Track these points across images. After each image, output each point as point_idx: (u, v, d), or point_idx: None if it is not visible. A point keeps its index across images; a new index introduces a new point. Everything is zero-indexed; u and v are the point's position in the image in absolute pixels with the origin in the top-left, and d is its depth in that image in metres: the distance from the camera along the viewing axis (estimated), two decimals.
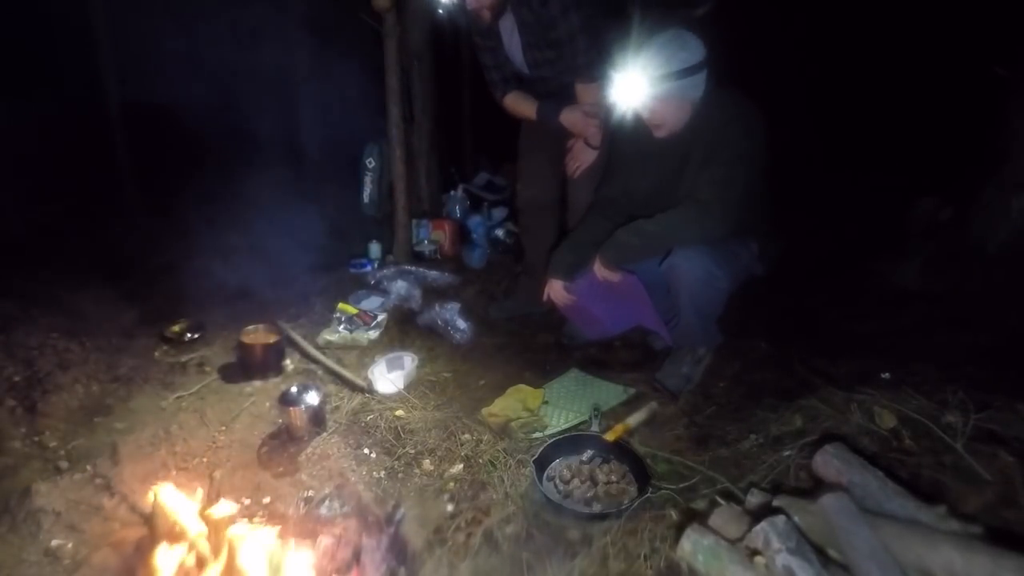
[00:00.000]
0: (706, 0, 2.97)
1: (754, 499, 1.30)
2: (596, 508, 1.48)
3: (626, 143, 2.07)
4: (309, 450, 1.74)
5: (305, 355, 2.30)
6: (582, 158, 2.36)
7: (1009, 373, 1.67)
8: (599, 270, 2.02)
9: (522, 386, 2.05)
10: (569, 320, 2.42)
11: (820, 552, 1.11)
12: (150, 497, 1.46)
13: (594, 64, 2.16)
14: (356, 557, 1.35)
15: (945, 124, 3.35)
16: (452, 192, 3.53)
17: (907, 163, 3.53)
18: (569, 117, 2.29)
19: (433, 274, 2.92)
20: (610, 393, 2.03)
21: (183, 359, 2.28)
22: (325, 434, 1.81)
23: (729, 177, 1.80)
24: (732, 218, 1.83)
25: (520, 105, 2.40)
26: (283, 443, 1.79)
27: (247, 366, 2.19)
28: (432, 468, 1.66)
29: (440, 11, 2.86)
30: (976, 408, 1.41)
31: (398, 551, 1.38)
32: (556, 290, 2.17)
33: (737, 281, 1.97)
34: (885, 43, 3.88)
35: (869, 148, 3.95)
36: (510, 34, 2.28)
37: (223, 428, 1.86)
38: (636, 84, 1.79)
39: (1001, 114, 2.62)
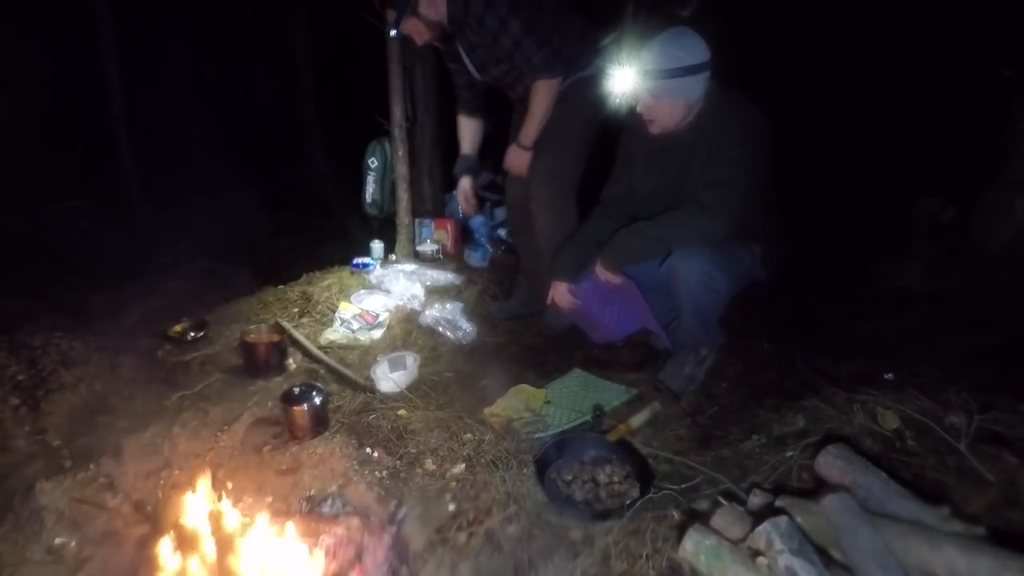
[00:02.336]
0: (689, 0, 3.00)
1: (756, 500, 1.30)
2: (598, 508, 1.48)
3: (631, 143, 2.06)
4: (311, 450, 1.73)
5: (307, 354, 2.30)
6: (515, 163, 2.43)
7: (1013, 374, 1.67)
8: (600, 272, 2.02)
9: (524, 386, 2.05)
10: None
11: (823, 553, 1.10)
12: (153, 496, 1.46)
13: (551, 59, 2.17)
14: (358, 556, 1.35)
15: (949, 124, 3.35)
16: (454, 192, 3.52)
17: (911, 163, 3.52)
18: (511, 162, 2.43)
19: (435, 274, 2.93)
20: (612, 393, 2.03)
21: (186, 358, 2.28)
22: (327, 434, 1.81)
23: (730, 178, 1.79)
24: (732, 219, 1.81)
25: (460, 132, 2.61)
26: (285, 442, 1.79)
27: (250, 365, 2.19)
28: (434, 468, 1.66)
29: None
30: (980, 409, 1.40)
31: (400, 550, 1.39)
32: (561, 293, 2.16)
33: (738, 284, 1.96)
34: (889, 43, 3.88)
35: (873, 149, 3.94)
36: (466, 56, 2.32)
37: (225, 427, 1.86)
38: (629, 79, 1.80)
39: (1005, 114, 2.61)
